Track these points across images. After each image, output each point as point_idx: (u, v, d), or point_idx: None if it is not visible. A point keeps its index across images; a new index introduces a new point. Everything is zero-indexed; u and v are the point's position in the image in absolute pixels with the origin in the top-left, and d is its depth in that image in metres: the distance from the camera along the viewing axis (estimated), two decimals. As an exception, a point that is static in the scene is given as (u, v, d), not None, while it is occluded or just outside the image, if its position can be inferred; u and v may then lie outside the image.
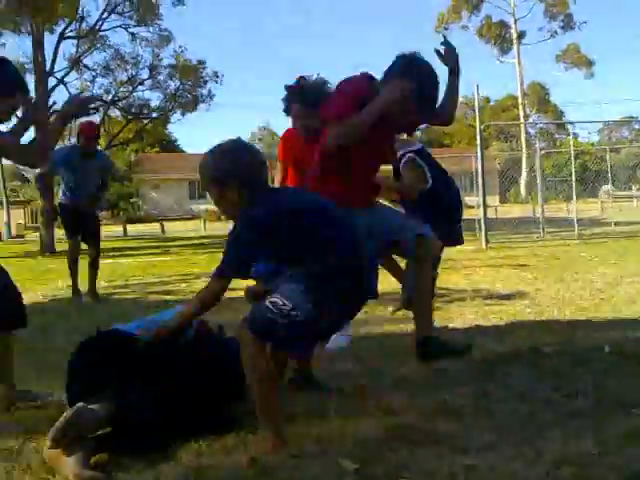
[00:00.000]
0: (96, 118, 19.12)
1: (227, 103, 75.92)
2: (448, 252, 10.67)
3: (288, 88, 3.75)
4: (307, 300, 2.22)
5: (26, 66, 19.74)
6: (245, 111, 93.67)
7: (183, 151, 54.91)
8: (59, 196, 7.12)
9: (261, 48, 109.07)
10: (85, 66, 21.69)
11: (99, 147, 7.80)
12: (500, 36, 33.20)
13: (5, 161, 30.35)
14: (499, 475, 2.01)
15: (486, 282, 6.87)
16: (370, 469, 2.08)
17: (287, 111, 3.82)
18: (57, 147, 6.51)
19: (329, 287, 2.26)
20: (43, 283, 8.34)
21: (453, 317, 4.84)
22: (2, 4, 16.45)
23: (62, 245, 14.05)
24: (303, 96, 3.64)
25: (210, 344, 2.65)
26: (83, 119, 6.29)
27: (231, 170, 2.39)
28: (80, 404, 2.26)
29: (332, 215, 2.41)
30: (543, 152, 18.09)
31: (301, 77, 3.74)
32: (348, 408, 2.70)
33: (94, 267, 6.71)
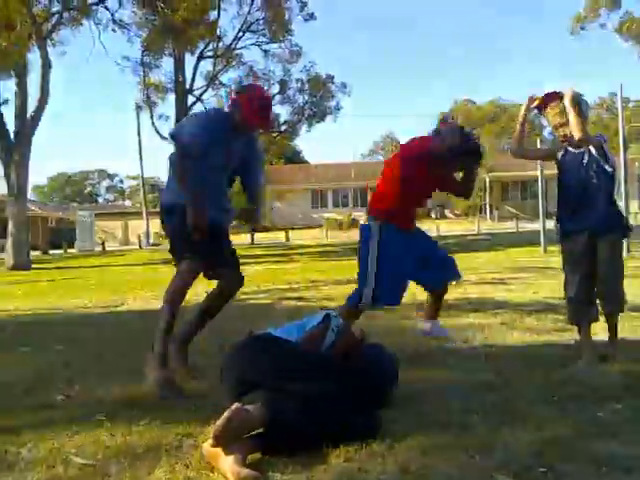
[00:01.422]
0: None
1: (350, 113, 76.66)
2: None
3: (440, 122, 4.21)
4: None
5: (168, 85, 21.16)
6: (367, 120, 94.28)
7: (307, 162, 56.17)
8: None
9: (386, 58, 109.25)
10: (221, 83, 22.88)
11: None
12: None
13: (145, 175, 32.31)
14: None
15: (630, 293, 6.43)
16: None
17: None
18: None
19: None
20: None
21: (599, 330, 4.57)
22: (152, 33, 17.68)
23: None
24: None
25: (355, 350, 2.69)
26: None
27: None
28: (237, 404, 2.37)
29: None
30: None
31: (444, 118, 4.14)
32: (494, 419, 2.64)
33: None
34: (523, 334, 4.47)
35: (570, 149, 3.70)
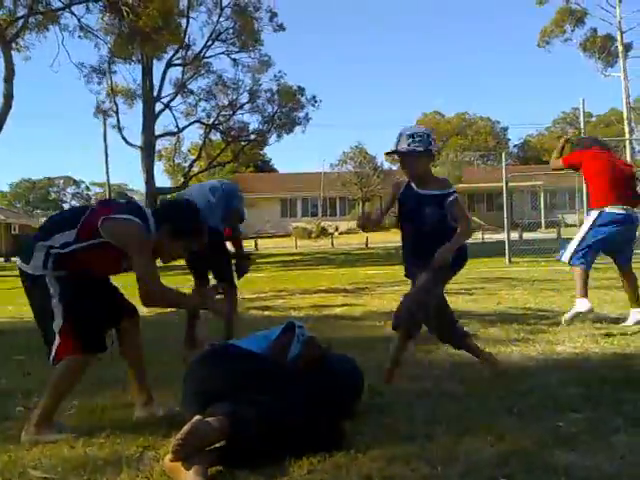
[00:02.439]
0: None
1: (319, 123, 76.94)
2: (549, 274, 10.40)
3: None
4: None
5: (136, 92, 20.98)
6: (335, 130, 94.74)
7: (276, 170, 56.19)
8: None
9: (354, 68, 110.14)
10: (190, 91, 22.81)
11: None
12: (604, 49, 31.87)
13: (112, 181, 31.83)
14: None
15: (594, 305, 6.56)
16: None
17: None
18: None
19: None
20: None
21: (560, 340, 4.66)
22: (117, 38, 17.54)
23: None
24: None
25: (319, 361, 2.68)
26: None
27: None
28: (197, 417, 2.35)
29: None
30: (651, 168, 17.12)
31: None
32: (457, 430, 2.66)
33: None
34: (487, 344, 4.51)
35: None
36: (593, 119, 52.58)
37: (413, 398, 3.22)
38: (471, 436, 2.60)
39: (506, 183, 14.57)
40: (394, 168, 55.06)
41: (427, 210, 3.50)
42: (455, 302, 7.24)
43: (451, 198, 3.49)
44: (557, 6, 30.61)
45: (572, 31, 31.00)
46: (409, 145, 3.47)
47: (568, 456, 2.36)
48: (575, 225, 14.20)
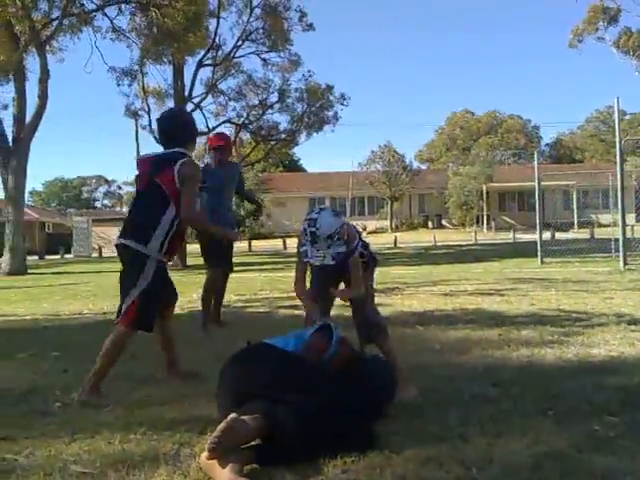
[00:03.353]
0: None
1: (348, 122, 76.88)
2: (582, 274, 10.25)
3: None
4: None
5: (168, 92, 21.21)
6: (365, 129, 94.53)
7: (305, 170, 56.31)
8: None
9: (385, 68, 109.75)
10: (220, 91, 22.98)
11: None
12: (640, 47, 31.21)
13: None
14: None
15: (628, 306, 6.47)
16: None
17: None
18: None
19: None
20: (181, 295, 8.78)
21: (595, 343, 4.59)
22: (148, 39, 17.75)
23: (193, 259, 14.87)
24: None
25: (353, 362, 2.69)
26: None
27: None
28: (233, 415, 2.37)
29: None
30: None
31: None
32: (492, 432, 2.65)
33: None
34: (520, 346, 4.48)
35: None
36: (627, 117, 51.59)
37: (445, 399, 3.21)
38: (506, 438, 2.58)
39: (538, 182, 14.40)
40: (423, 167, 54.94)
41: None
42: (486, 303, 7.20)
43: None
44: (589, 4, 30.12)
45: (605, 29, 30.47)
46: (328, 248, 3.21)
47: (605, 460, 2.33)
48: (609, 225, 13.94)
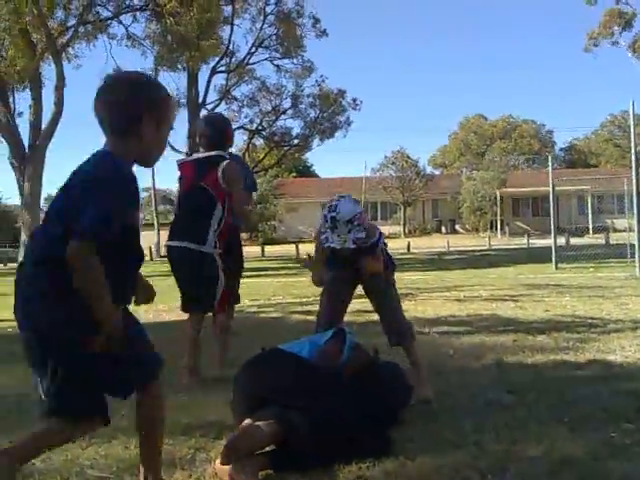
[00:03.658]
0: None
1: (361, 127, 76.94)
2: (597, 280, 10.18)
3: None
4: None
5: (181, 100, 21.35)
6: (377, 135, 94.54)
7: (317, 176, 56.41)
8: None
9: (398, 74, 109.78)
10: (233, 98, 23.12)
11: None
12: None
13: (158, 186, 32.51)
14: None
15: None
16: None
17: None
18: None
19: None
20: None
21: (611, 349, 4.56)
22: (163, 48, 17.88)
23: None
24: None
25: (368, 367, 2.69)
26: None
27: None
28: (248, 421, 2.39)
29: None
30: None
31: None
32: (507, 439, 2.64)
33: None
34: (535, 352, 4.45)
35: None
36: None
37: (460, 405, 3.20)
38: (521, 445, 2.57)
39: (552, 187, 14.32)
40: (436, 172, 54.86)
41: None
42: (501, 309, 7.17)
43: None
44: (605, 8, 30.00)
45: (620, 34, 30.33)
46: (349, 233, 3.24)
47: (622, 467, 2.31)
48: (624, 230, 13.83)
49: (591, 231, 31.93)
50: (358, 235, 3.23)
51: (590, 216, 35.09)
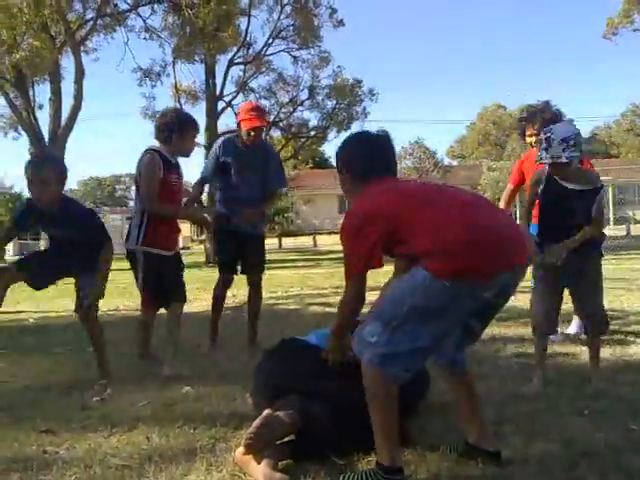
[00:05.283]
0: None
1: (378, 118, 76.60)
2: (618, 272, 10.07)
3: None
4: None
5: (198, 93, 21.34)
6: (395, 125, 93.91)
7: (334, 167, 56.25)
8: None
9: (416, 65, 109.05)
10: (250, 89, 23.07)
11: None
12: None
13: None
14: None
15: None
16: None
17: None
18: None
19: None
20: (210, 292, 8.89)
21: (632, 341, 4.53)
22: (181, 40, 17.89)
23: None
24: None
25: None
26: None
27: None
28: (268, 411, 2.40)
29: None
30: None
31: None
32: (527, 431, 2.64)
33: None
34: (554, 344, 4.42)
35: None
36: (665, 110, 50.40)
37: (480, 397, 3.19)
38: (541, 437, 2.57)
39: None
40: (454, 163, 54.45)
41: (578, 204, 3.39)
42: (520, 300, 7.12)
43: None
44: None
45: (641, 21, 29.76)
46: (563, 151, 3.19)
47: (644, 460, 2.30)
48: (646, 221, 13.69)
49: (612, 222, 31.59)
50: (572, 155, 3.17)
51: (611, 207, 34.68)
